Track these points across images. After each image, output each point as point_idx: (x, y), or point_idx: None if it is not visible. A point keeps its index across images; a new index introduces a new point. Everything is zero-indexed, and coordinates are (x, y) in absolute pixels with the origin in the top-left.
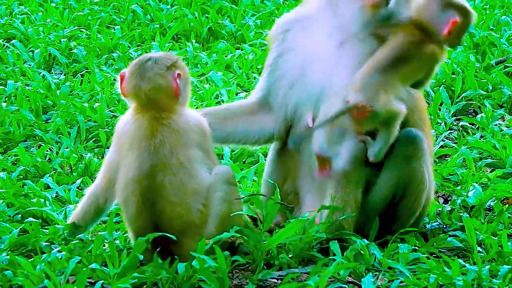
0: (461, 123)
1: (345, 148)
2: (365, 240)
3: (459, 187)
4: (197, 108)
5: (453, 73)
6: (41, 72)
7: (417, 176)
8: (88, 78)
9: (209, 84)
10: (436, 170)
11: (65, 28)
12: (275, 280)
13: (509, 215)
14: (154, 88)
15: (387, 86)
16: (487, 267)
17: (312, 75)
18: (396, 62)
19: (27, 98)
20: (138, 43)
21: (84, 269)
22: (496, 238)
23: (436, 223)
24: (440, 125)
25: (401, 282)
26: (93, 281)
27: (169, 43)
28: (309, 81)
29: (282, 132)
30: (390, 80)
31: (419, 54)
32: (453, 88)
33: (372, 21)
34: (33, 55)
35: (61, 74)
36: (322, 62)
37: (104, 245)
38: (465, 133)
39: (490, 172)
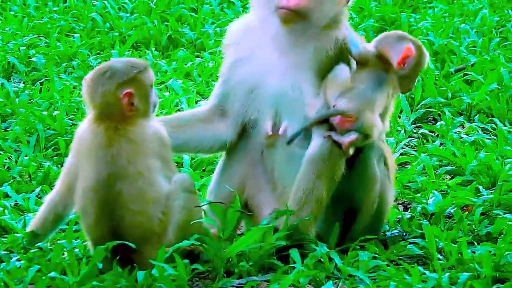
0: (420, 131)
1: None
2: (325, 247)
3: (419, 195)
4: (156, 116)
5: None
6: None
7: (366, 170)
8: (47, 86)
9: (169, 92)
10: (396, 178)
11: (24, 36)
12: None
13: (469, 222)
14: (105, 103)
15: (372, 103)
16: (447, 274)
17: (267, 83)
18: (375, 85)
19: None
20: (98, 51)
21: (43, 277)
22: (456, 245)
23: (396, 231)
24: (400, 133)
25: None
26: None
27: (129, 51)
28: (265, 88)
29: (235, 139)
30: (374, 98)
31: (388, 83)
32: (413, 96)
33: (294, 33)
34: None
35: (20, 82)
36: (274, 70)
37: (63, 254)
38: (424, 141)
39: (450, 179)
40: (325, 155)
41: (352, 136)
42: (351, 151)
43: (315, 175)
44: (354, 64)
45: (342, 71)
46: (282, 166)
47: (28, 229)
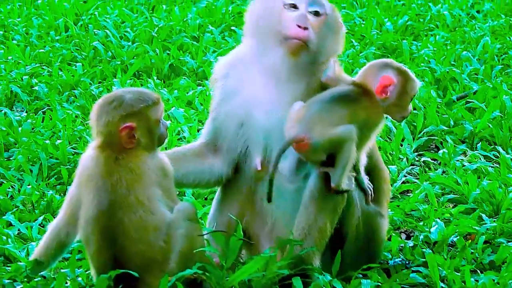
0: (423, 159)
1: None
2: (328, 276)
3: (421, 223)
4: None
5: (414, 109)
6: (2, 110)
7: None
8: (50, 115)
9: (171, 121)
10: (398, 206)
11: (26, 66)
12: None
13: (472, 250)
14: (107, 132)
15: (323, 116)
16: None
17: (256, 117)
18: (334, 102)
19: None
20: (100, 80)
21: None
22: (459, 274)
23: (399, 259)
24: (402, 161)
25: None
26: None
27: (131, 79)
28: (254, 123)
29: (230, 173)
30: (326, 111)
31: (355, 108)
32: (415, 124)
33: (297, 65)
34: None
35: (23, 111)
36: (264, 103)
37: (66, 283)
38: (427, 169)
39: (453, 207)
40: (324, 189)
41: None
42: (344, 186)
43: (317, 208)
44: None
45: (297, 103)
46: (277, 208)
47: (31, 257)
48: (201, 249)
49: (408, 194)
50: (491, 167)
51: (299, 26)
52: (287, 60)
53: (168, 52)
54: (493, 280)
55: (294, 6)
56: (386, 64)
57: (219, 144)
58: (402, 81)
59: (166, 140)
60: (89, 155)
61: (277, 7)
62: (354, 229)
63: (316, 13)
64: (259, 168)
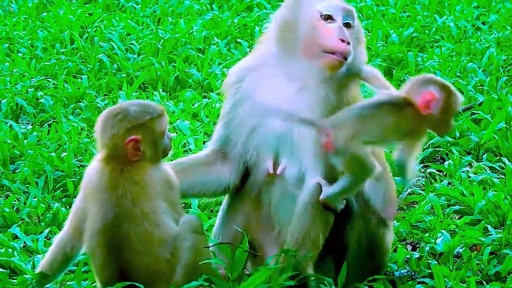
0: (428, 170)
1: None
2: (333, 287)
3: (427, 234)
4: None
5: None
6: (8, 122)
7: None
8: (56, 128)
9: (176, 133)
10: (404, 218)
11: (32, 78)
12: None
13: (478, 261)
14: (112, 145)
15: (359, 123)
16: None
17: (270, 123)
18: (376, 116)
19: None
20: (105, 93)
21: None
22: (465, 285)
23: (405, 270)
24: None
25: None
26: None
27: (136, 92)
28: (267, 128)
29: (237, 181)
30: (366, 117)
31: (399, 118)
32: None
33: (331, 78)
34: (0, 105)
35: (28, 124)
36: (280, 109)
37: None
38: (432, 180)
39: (458, 219)
40: (317, 200)
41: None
42: (335, 204)
43: (310, 218)
44: None
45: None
46: (279, 205)
47: (37, 270)
48: (207, 261)
49: (414, 205)
50: (497, 178)
51: (342, 40)
52: (322, 72)
53: (174, 64)
54: None
55: (331, 17)
56: (428, 79)
57: (229, 150)
58: (445, 96)
59: (171, 152)
60: (94, 167)
61: (313, 17)
62: (356, 241)
63: (348, 25)
64: (271, 171)
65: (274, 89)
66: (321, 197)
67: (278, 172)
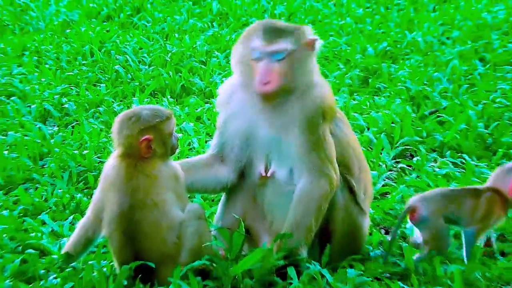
0: (399, 165)
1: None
2: (318, 265)
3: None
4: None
5: (392, 122)
6: (37, 124)
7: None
8: (78, 129)
9: (182, 134)
10: (378, 206)
11: (57, 86)
12: None
13: None
14: (127, 144)
15: (445, 210)
16: None
17: (258, 135)
18: (464, 192)
19: (26, 147)
20: (121, 99)
21: None
22: (430, 263)
23: (379, 251)
24: (381, 167)
25: None
26: None
27: (147, 98)
28: (257, 139)
29: (235, 180)
30: (452, 196)
31: (485, 199)
32: (393, 135)
33: (277, 102)
34: (30, 110)
35: (55, 126)
36: (264, 124)
37: (93, 273)
38: (403, 174)
39: None
40: (312, 193)
41: None
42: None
43: (303, 210)
44: (339, 120)
45: None
46: (271, 201)
47: (63, 251)
48: (209, 243)
49: (387, 195)
50: (458, 172)
51: (263, 82)
52: (266, 100)
53: (180, 74)
54: (460, 269)
55: (260, 59)
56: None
57: (226, 155)
58: None
59: (178, 150)
60: (111, 163)
61: (247, 59)
62: (340, 227)
63: (280, 59)
64: (264, 174)
65: (255, 107)
66: (414, 259)
67: (269, 174)
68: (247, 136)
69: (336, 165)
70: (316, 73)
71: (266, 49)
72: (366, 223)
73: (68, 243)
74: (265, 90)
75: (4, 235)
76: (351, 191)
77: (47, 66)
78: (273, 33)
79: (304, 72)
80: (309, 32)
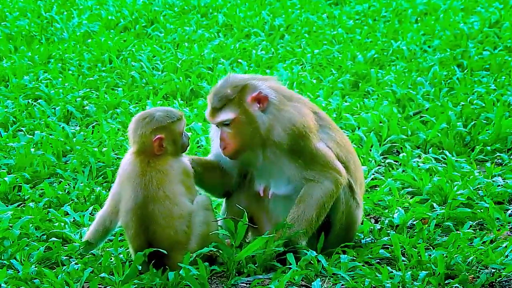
0: (387, 161)
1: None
2: (314, 252)
3: (386, 210)
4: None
5: (380, 122)
6: (61, 125)
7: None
8: (98, 129)
9: (191, 133)
10: (368, 198)
11: (79, 90)
12: (244, 285)
13: (427, 232)
14: (141, 142)
15: None
16: (409, 272)
17: (253, 165)
18: None
19: (50, 145)
20: (136, 101)
21: (96, 277)
22: (416, 249)
23: (369, 239)
24: (371, 162)
25: (342, 285)
26: (102, 286)
27: (160, 101)
28: (252, 167)
29: (235, 187)
30: None
31: None
32: (381, 134)
33: (243, 156)
34: (54, 111)
35: (77, 126)
36: (255, 158)
37: (111, 259)
38: (390, 168)
39: (411, 198)
40: (316, 191)
41: None
42: None
43: (304, 206)
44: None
45: None
46: (274, 203)
47: (84, 239)
48: (215, 232)
49: (376, 188)
50: (440, 166)
51: (221, 148)
52: (233, 159)
53: (189, 79)
54: (443, 254)
55: (217, 128)
56: None
57: (224, 166)
58: None
59: (188, 148)
60: (127, 159)
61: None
62: (339, 220)
63: (228, 125)
64: (262, 195)
65: None
66: None
67: (269, 196)
68: (243, 165)
69: (337, 163)
70: (275, 108)
71: (214, 122)
72: (360, 215)
73: (88, 232)
74: (225, 154)
75: (30, 225)
76: (351, 186)
77: (70, 72)
78: (214, 107)
79: (259, 123)
80: (253, 88)
